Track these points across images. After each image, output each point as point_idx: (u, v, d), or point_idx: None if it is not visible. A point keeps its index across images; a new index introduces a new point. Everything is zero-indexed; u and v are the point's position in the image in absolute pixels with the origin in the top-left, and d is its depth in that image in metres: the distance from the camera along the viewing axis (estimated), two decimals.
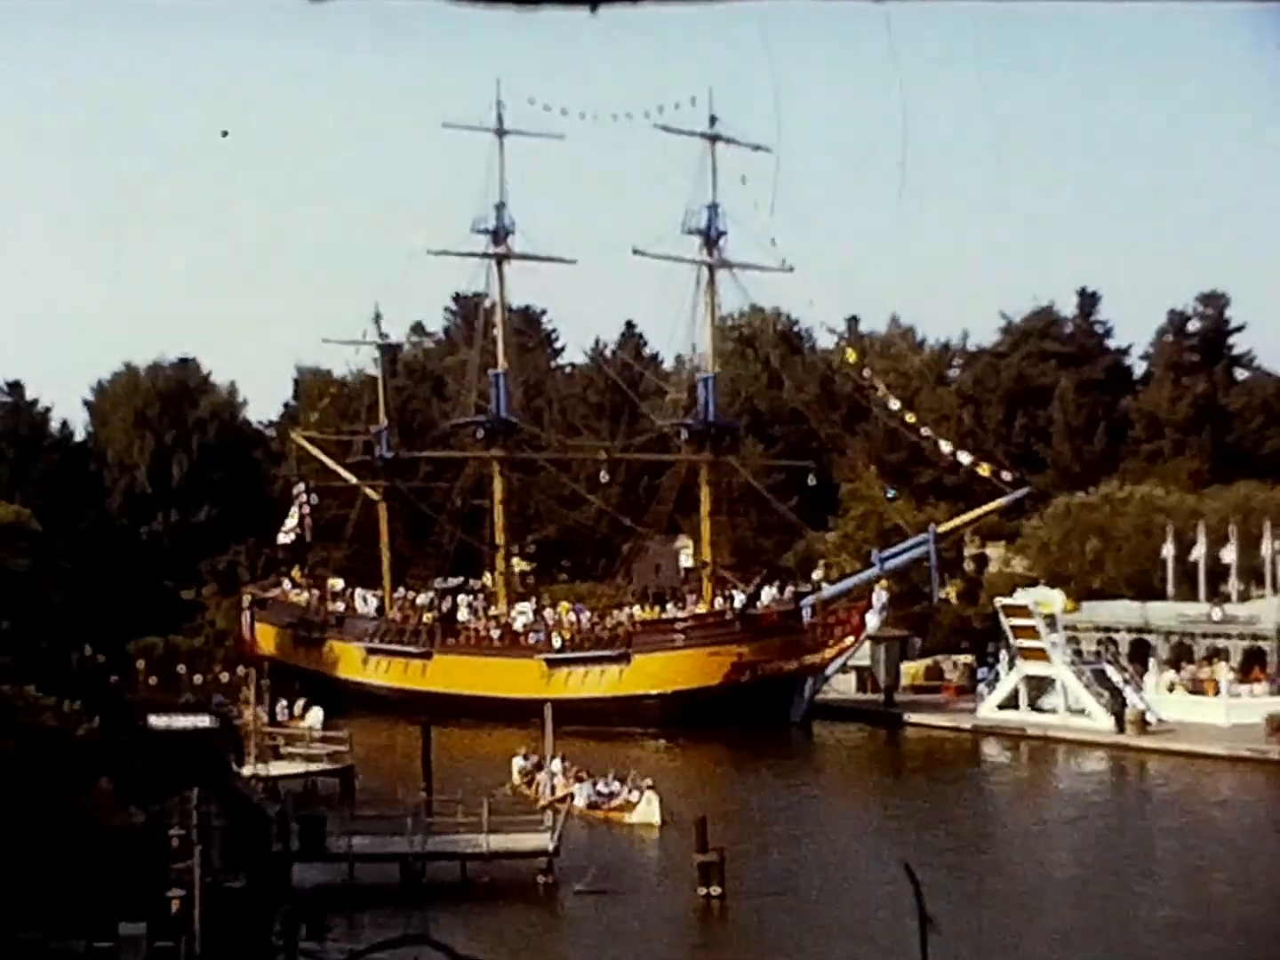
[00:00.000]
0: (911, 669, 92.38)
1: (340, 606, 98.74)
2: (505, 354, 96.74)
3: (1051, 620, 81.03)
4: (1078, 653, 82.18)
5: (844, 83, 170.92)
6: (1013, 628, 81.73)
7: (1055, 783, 71.44)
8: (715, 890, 48.12)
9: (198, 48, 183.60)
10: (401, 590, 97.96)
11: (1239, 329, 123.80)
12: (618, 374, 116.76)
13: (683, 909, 48.69)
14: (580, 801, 60.61)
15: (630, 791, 60.66)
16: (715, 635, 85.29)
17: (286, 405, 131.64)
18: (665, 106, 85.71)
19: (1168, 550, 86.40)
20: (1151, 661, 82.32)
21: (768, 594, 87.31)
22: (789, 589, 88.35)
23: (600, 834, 58.22)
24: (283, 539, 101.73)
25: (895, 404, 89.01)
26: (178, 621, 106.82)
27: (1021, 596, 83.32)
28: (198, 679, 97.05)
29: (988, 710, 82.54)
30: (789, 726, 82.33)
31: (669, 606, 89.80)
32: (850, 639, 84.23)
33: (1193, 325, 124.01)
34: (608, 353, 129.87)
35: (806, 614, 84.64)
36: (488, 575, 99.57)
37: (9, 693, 40.03)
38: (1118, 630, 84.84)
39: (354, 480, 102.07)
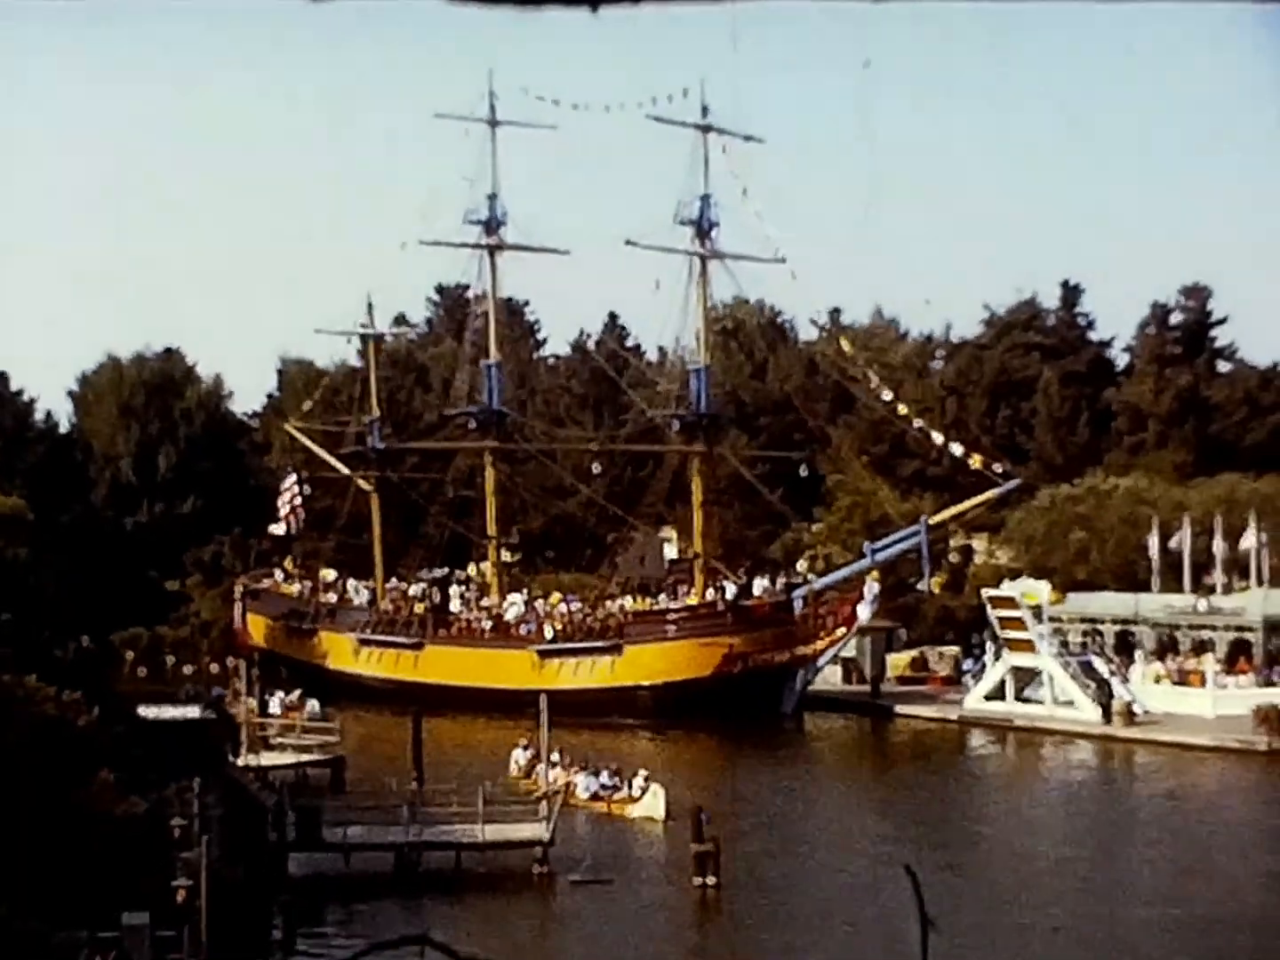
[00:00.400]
0: (897, 660, 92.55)
1: (332, 597, 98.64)
2: (498, 345, 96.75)
3: (1038, 612, 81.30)
4: (1064, 644, 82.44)
5: (821, 74, 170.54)
6: (999, 619, 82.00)
7: (1043, 773, 71.66)
8: (711, 880, 48.29)
9: (187, 35, 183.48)
10: (394, 581, 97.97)
11: (1221, 321, 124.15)
12: (604, 366, 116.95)
13: (678, 899, 48.88)
14: (583, 794, 60.71)
15: (633, 785, 60.55)
16: (707, 626, 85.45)
17: (270, 396, 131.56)
18: (658, 98, 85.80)
19: (1152, 542, 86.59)
20: (1137, 653, 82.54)
21: (759, 585, 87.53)
22: (780, 580, 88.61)
23: (598, 825, 58.42)
24: (274, 530, 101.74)
25: (888, 394, 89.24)
26: (163, 612, 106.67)
27: (1008, 588, 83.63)
28: (188, 669, 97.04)
29: (974, 701, 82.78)
30: (780, 718, 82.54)
31: (661, 598, 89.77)
32: (842, 630, 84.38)
33: (1175, 318, 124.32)
34: (591, 344, 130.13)
35: (798, 605, 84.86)
36: (472, 566, 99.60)
37: (9, 683, 40.09)
38: (1103, 622, 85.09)
39: (346, 471, 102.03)
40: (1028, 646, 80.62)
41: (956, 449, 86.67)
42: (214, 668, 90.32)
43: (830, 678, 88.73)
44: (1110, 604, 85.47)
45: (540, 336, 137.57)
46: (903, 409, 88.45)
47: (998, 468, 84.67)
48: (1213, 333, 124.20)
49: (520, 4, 5.20)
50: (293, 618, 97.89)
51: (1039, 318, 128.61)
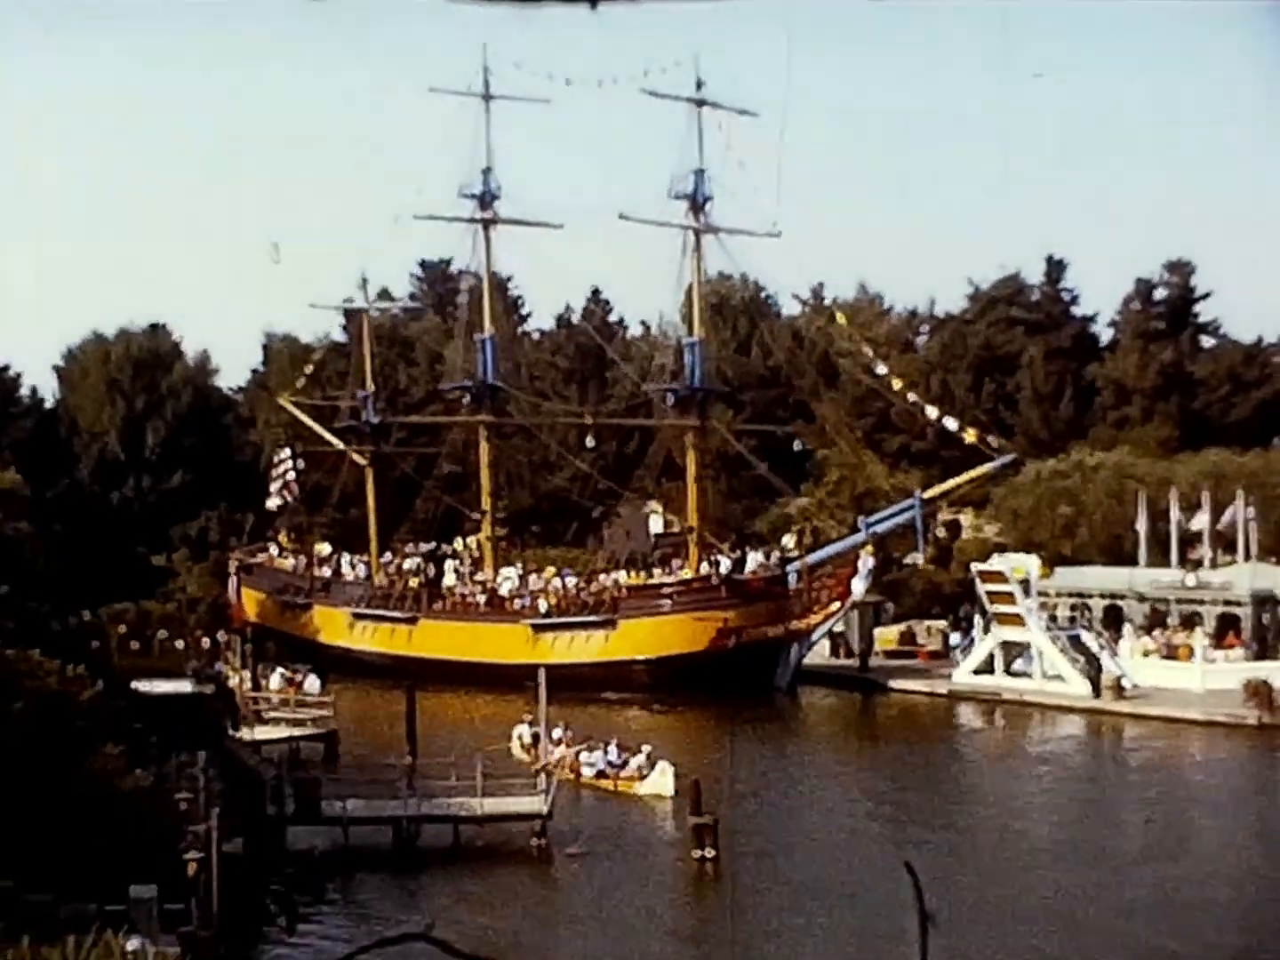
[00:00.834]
0: (884, 635, 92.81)
1: (327, 572, 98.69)
2: (492, 319, 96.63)
3: (1026, 585, 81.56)
4: (1052, 618, 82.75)
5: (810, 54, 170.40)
6: (989, 593, 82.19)
7: (1034, 747, 71.81)
8: (709, 852, 48.49)
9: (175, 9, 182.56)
10: (388, 555, 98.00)
11: (1205, 296, 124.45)
12: (592, 340, 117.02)
13: (677, 871, 49.11)
14: (588, 771, 60.63)
15: (640, 762, 60.39)
16: (701, 601, 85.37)
17: (255, 371, 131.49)
18: (651, 71, 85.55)
19: (1140, 517, 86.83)
20: (1126, 627, 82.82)
21: (754, 560, 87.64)
22: (774, 555, 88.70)
23: (600, 800, 58.55)
24: (269, 504, 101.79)
25: (883, 368, 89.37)
26: (149, 587, 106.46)
27: (997, 562, 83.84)
28: (178, 644, 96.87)
29: (963, 675, 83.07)
30: (775, 692, 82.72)
31: (655, 572, 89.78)
32: (836, 605, 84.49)
33: (1159, 293, 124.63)
34: (574, 319, 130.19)
35: (792, 580, 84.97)
36: (459, 541, 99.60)
37: (13, 657, 40.08)
38: (1091, 596, 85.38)
39: (340, 445, 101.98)
40: (1017, 621, 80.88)
41: (951, 423, 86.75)
42: (205, 642, 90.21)
43: (818, 652, 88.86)
44: (1099, 578, 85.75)
45: (524, 311, 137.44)
46: (897, 384, 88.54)
47: (993, 442, 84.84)
48: (1196, 308, 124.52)
49: (520, 0, 5.28)
50: (287, 592, 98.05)
51: (1023, 293, 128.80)
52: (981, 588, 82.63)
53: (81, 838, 36.55)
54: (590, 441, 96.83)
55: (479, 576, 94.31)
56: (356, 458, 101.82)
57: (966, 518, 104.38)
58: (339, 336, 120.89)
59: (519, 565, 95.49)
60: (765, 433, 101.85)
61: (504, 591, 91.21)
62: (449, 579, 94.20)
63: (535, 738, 61.91)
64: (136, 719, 46.51)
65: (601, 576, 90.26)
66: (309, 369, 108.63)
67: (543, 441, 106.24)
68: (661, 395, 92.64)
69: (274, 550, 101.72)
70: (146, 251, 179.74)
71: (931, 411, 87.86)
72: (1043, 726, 75.23)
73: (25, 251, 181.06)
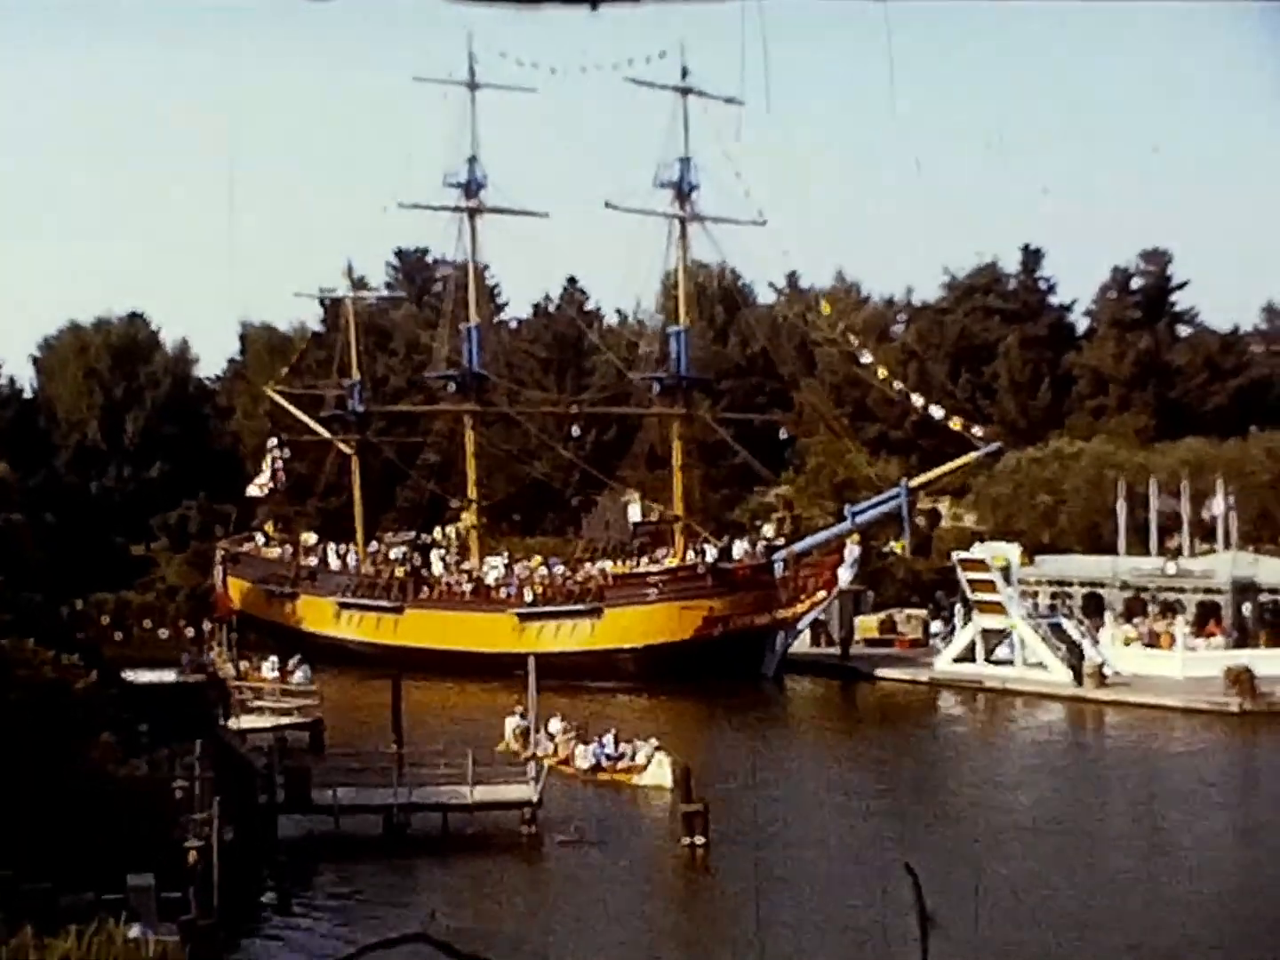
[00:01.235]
0: (865, 623, 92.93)
1: (313, 561, 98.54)
2: (477, 308, 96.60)
3: (1007, 573, 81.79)
4: (1034, 606, 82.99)
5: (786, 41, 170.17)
6: (970, 581, 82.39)
7: (1016, 734, 72.11)
8: (699, 840, 48.69)
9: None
10: (375, 544, 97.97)
11: (1181, 286, 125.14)
12: (569, 329, 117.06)
13: (666, 859, 49.24)
14: (583, 763, 60.57)
15: (639, 753, 60.14)
16: (687, 589, 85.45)
17: (232, 361, 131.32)
18: (635, 59, 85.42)
19: (1119, 506, 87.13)
20: (1107, 615, 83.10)
21: (739, 548, 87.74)
22: (760, 544, 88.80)
23: (591, 788, 58.61)
24: (255, 492, 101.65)
25: (868, 357, 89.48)
26: (128, 577, 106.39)
27: (979, 550, 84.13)
28: (163, 633, 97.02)
29: (945, 664, 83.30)
30: (761, 680, 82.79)
31: (641, 561, 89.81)
32: (822, 593, 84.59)
33: (1136, 282, 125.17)
34: (550, 309, 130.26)
35: (779, 568, 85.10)
36: (438, 530, 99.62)
37: (8, 647, 40.10)
38: (1071, 584, 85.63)
39: (326, 434, 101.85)
40: (998, 609, 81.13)
41: (937, 412, 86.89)
42: (189, 632, 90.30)
43: (799, 640, 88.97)
44: (1088, 567, 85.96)
45: (500, 300, 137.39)
46: (882, 372, 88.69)
47: (977, 430, 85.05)
48: (1173, 297, 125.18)
49: (520, 1, 5.39)
50: (273, 582, 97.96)
51: (999, 282, 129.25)
52: (963, 576, 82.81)
53: (78, 827, 36.60)
54: (576, 431, 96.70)
55: (465, 565, 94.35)
56: (343, 447, 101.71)
57: (945, 506, 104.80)
58: (315, 326, 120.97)
59: (505, 554, 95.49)
60: (743, 421, 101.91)
61: (490, 580, 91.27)
62: (436, 568, 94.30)
63: (527, 731, 61.78)
64: (127, 709, 46.55)
65: (588, 565, 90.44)
66: (294, 358, 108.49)
67: (524, 430, 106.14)
68: (647, 384, 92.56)
69: (260, 539, 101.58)
70: (122, 238, 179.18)
71: (918, 400, 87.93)
72: (1026, 714, 75.40)
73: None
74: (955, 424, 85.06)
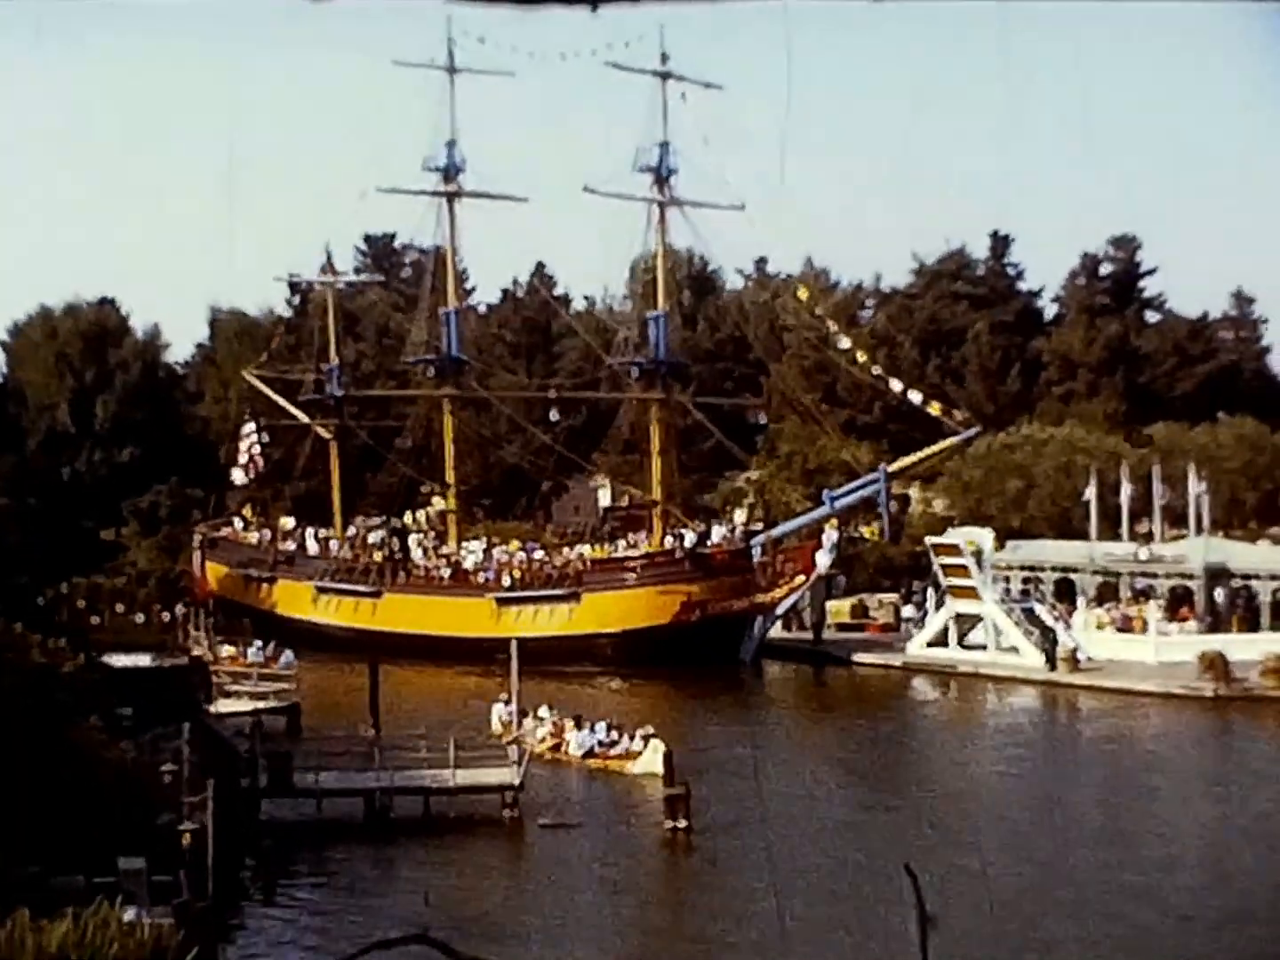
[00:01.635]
0: (837, 608, 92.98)
1: (291, 546, 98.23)
2: (455, 292, 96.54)
3: (980, 558, 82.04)
4: (1006, 591, 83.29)
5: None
6: (943, 566, 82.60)
7: (990, 718, 72.49)
8: (681, 823, 48.95)
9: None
10: (352, 529, 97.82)
11: (1150, 272, 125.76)
12: (538, 314, 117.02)
13: (648, 842, 49.45)
14: (575, 750, 60.53)
15: (632, 740, 60.09)
16: (665, 574, 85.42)
17: (200, 345, 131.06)
18: (614, 44, 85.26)
19: (1090, 491, 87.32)
20: (1080, 600, 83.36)
21: (718, 533, 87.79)
22: (738, 529, 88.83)
23: (575, 773, 58.72)
24: (240, 479, 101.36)
25: (846, 342, 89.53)
26: (98, 562, 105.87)
27: (952, 535, 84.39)
28: (139, 618, 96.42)
29: (917, 648, 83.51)
30: (739, 666, 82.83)
31: (619, 545, 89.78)
32: (801, 578, 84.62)
33: (1104, 268, 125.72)
34: (520, 294, 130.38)
35: (756, 553, 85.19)
36: (409, 515, 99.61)
37: None
38: (1043, 569, 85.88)
39: (305, 419, 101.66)
40: (971, 593, 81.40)
41: (915, 397, 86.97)
42: (165, 616, 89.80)
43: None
44: (1062, 551, 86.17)
45: (468, 285, 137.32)
46: (861, 357, 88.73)
47: (957, 415, 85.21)
48: (1141, 283, 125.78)
49: (521, 2, 5.50)
50: (251, 566, 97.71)
51: (968, 268, 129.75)
52: (936, 560, 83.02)
53: (68, 811, 36.65)
54: (554, 415, 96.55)
55: (443, 550, 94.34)
56: (321, 431, 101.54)
57: (915, 491, 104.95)
58: (283, 310, 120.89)
59: (483, 539, 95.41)
60: (713, 406, 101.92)
61: (468, 565, 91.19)
62: (414, 553, 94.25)
63: (514, 716, 61.70)
64: (110, 692, 46.58)
65: (565, 550, 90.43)
66: (274, 343, 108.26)
67: (496, 414, 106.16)
68: (626, 369, 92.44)
69: (238, 524, 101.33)
70: (91, 221, 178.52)
71: (896, 385, 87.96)
72: (999, 698, 75.70)
73: None
74: (934, 409, 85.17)
